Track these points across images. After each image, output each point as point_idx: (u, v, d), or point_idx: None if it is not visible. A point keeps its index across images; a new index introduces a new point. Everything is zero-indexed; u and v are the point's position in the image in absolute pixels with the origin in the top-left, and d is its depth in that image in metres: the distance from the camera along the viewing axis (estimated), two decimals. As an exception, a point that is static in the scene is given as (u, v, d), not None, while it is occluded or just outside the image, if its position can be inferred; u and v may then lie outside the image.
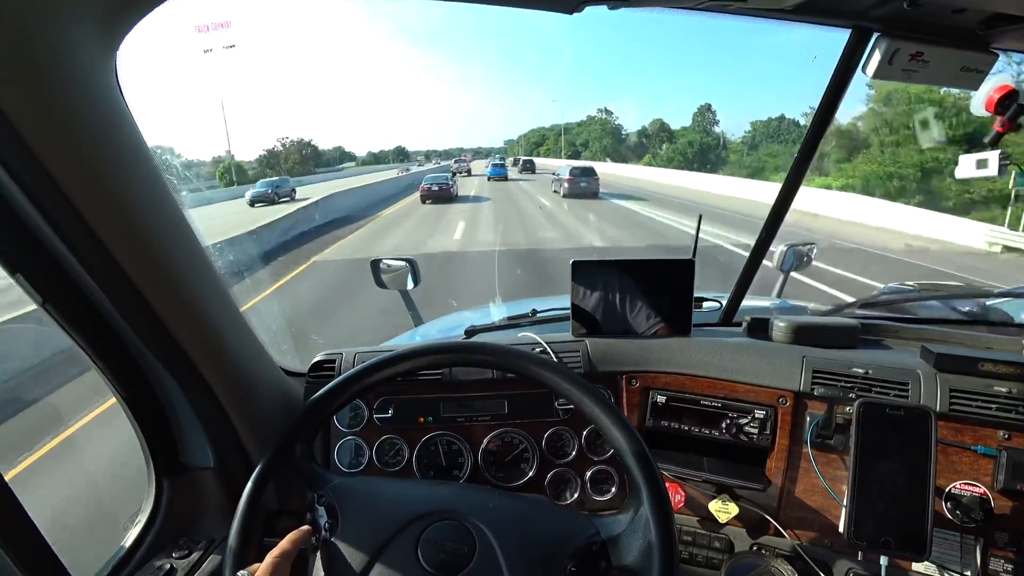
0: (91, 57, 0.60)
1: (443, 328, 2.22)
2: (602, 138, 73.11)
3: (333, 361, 1.19)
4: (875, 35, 0.96)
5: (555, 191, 22.67)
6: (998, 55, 0.98)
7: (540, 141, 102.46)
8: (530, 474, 1.17)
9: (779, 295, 2.02)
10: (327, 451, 1.16)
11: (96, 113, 0.62)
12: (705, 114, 62.42)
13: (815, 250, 2.02)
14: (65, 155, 0.59)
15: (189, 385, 0.88)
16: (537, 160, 72.03)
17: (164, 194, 0.74)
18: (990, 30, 0.93)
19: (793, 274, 1.99)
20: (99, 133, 0.62)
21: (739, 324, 1.38)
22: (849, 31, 1.00)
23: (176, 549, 0.93)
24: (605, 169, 33.69)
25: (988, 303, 1.60)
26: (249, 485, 0.75)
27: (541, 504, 0.75)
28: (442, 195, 20.99)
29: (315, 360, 1.20)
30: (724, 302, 1.43)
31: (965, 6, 0.84)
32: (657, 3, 0.87)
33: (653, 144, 59.61)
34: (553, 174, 24.04)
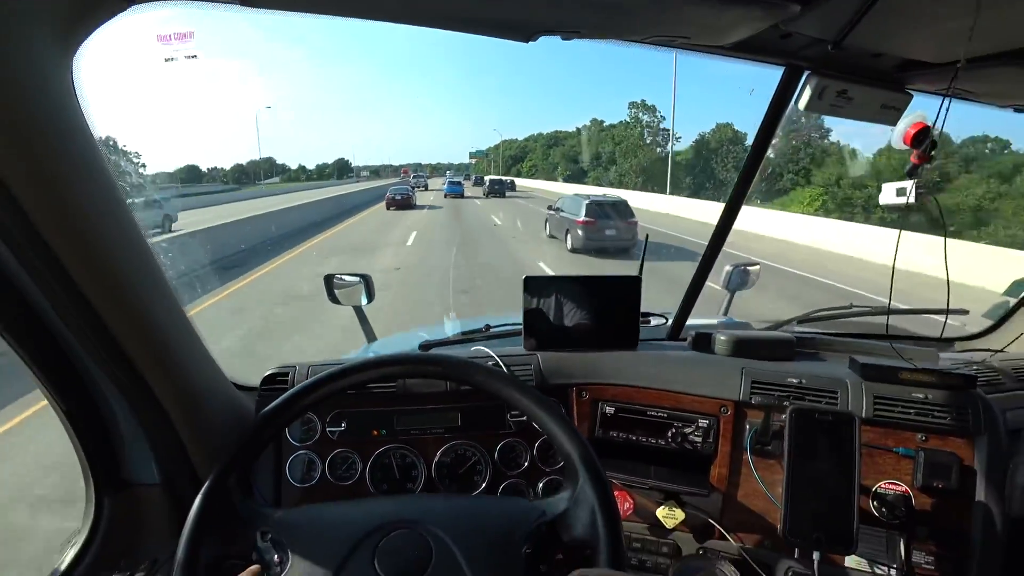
0: (48, 61, 0.61)
1: (397, 343, 2.24)
2: (632, 152, 49.95)
3: (286, 374, 1.21)
4: (806, 73, 1.08)
5: (551, 235, 14.63)
6: (912, 95, 1.12)
7: (521, 155, 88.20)
8: (483, 485, 1.21)
9: (725, 313, 2.14)
10: (279, 465, 1.16)
11: (50, 117, 0.62)
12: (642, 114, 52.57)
13: (760, 270, 2.16)
14: (14, 156, 0.60)
15: (135, 396, 0.87)
16: (522, 181, 64.23)
17: (115, 201, 0.74)
18: (904, 73, 1.07)
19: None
20: (52, 136, 0.63)
21: (685, 339, 1.48)
22: (783, 68, 1.11)
23: (116, 571, 0.91)
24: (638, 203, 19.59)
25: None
26: (198, 499, 0.75)
27: (486, 499, 0.80)
28: (404, 203, 26.39)
29: (267, 373, 1.21)
30: (670, 319, 1.53)
31: (882, 51, 0.97)
32: (608, 37, 0.95)
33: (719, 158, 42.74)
34: (551, 208, 14.92)
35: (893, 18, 0.84)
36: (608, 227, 12.73)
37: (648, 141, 53.05)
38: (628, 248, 12.77)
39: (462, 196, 35.80)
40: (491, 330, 1.49)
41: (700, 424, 1.20)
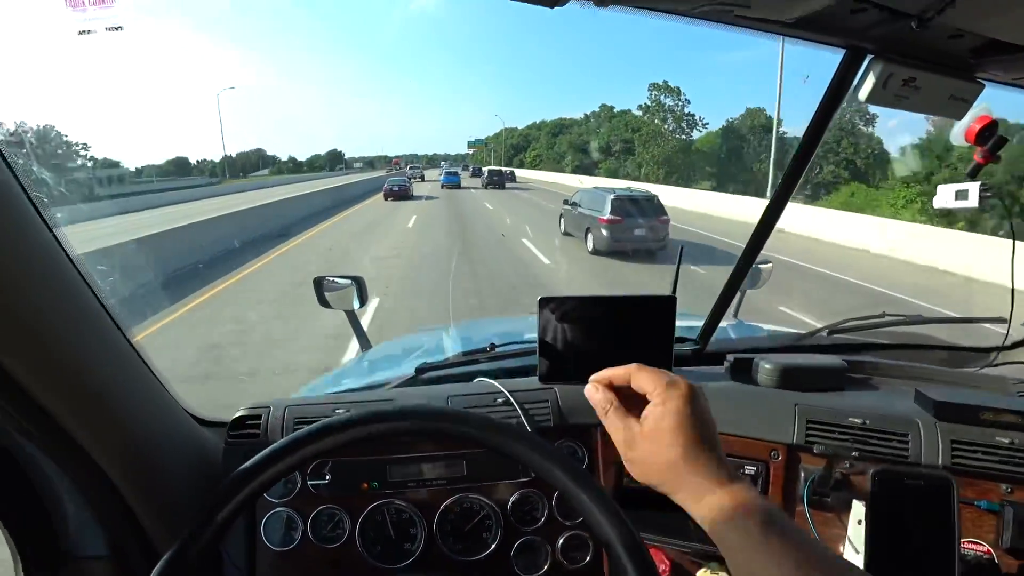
0: None
1: (392, 356, 2.12)
2: (652, 141, 44.93)
3: (258, 417, 1.05)
4: (869, 57, 0.95)
5: (567, 233, 13.68)
6: (984, 85, 0.99)
7: (523, 144, 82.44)
8: (493, 546, 1.05)
9: (735, 315, 2.05)
10: (252, 525, 1.00)
11: None
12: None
13: (772, 268, 2.04)
14: None
15: (61, 457, 0.71)
16: (524, 172, 61.96)
17: (19, 208, 0.58)
18: (981, 59, 0.94)
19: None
20: None
21: (714, 357, 1.34)
22: (843, 52, 0.98)
23: None
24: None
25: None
26: None
27: None
28: (401, 194, 28.34)
29: (236, 416, 1.05)
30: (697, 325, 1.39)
31: (966, 30, 0.84)
32: (650, 6, 0.81)
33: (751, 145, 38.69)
34: (567, 203, 13.71)
35: None
36: (637, 226, 11.18)
37: (671, 127, 47.40)
38: (659, 250, 11.27)
39: (458, 187, 37.14)
40: (496, 349, 1.33)
41: (746, 471, 1.05)
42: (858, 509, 0.95)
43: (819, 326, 1.53)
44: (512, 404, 1.08)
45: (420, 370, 1.28)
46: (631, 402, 0.66)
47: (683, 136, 46.91)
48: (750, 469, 1.05)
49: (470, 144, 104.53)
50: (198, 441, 0.96)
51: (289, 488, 1.02)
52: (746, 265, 1.31)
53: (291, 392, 1.64)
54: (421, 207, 24.15)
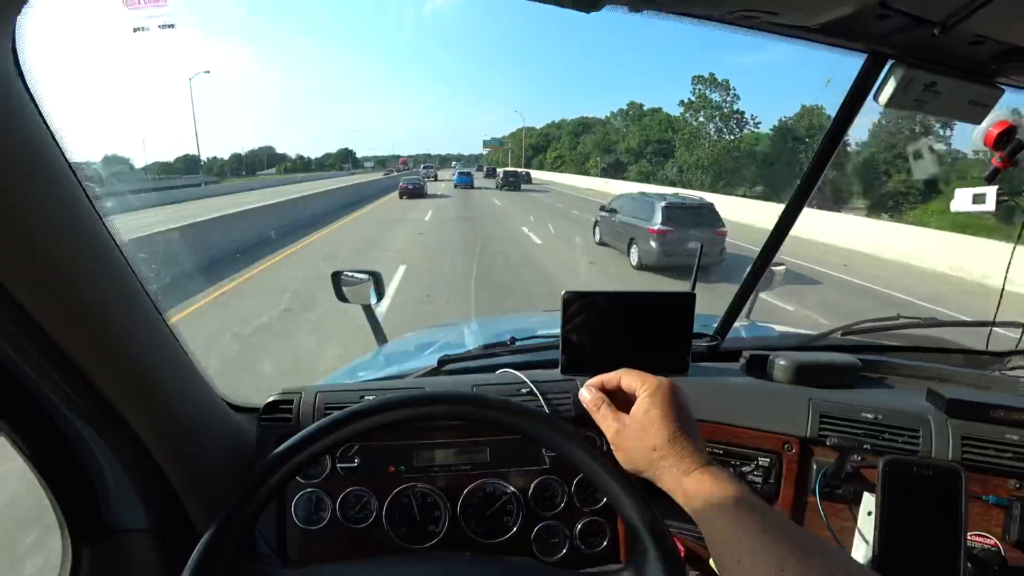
0: None
1: (411, 349, 2.16)
2: (696, 142, 40.84)
3: (290, 402, 1.09)
4: (890, 63, 0.98)
5: (602, 243, 12.84)
6: (1004, 90, 1.02)
7: (542, 144, 79.79)
8: (514, 529, 1.10)
9: (748, 316, 2.05)
10: (283, 504, 1.05)
11: None
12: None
13: (784, 270, 2.11)
14: None
15: (109, 434, 0.76)
16: (542, 174, 58.80)
17: (74, 197, 0.62)
18: (1002, 64, 0.96)
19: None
20: None
21: (730, 354, 1.37)
22: (863, 57, 1.01)
23: None
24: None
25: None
26: (194, 557, 0.64)
27: (531, 569, 0.71)
28: (416, 192, 29.87)
29: (268, 400, 1.10)
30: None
31: (987, 36, 0.86)
32: (683, 11, 0.85)
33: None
34: (605, 209, 12.79)
35: None
36: (691, 238, 9.76)
37: (717, 127, 42.47)
38: (716, 266, 9.91)
39: (471, 187, 39.27)
40: (516, 343, 1.37)
41: (760, 462, 1.09)
42: (868, 501, 0.98)
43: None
44: (536, 394, 1.12)
45: (442, 361, 1.32)
46: (619, 402, 0.76)
47: (731, 136, 42.00)
48: (764, 461, 1.09)
49: (486, 143, 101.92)
50: (232, 425, 1.01)
51: (319, 470, 1.07)
52: (763, 266, 1.34)
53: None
54: (436, 203, 26.71)
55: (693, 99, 44.90)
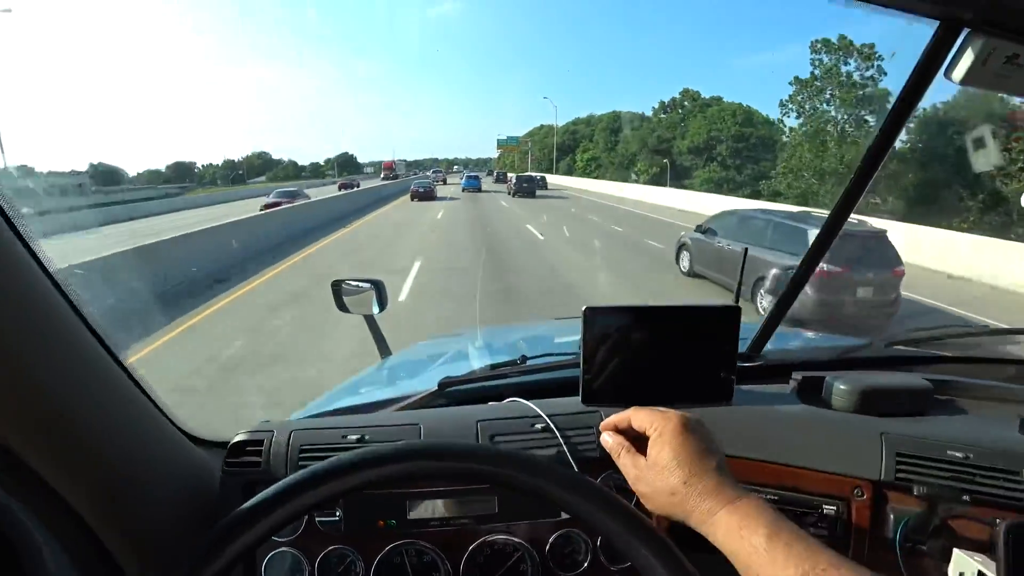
0: None
1: (414, 364, 2.07)
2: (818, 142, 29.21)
3: (259, 442, 0.95)
4: (965, 31, 0.85)
5: (694, 273, 10.48)
6: None
7: (570, 143, 68.81)
8: None
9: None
10: (252, 567, 0.91)
11: None
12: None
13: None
14: None
15: (22, 494, 0.63)
16: (565, 180, 53.12)
17: None
18: None
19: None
20: None
21: (775, 370, 1.26)
22: (935, 26, 0.90)
23: None
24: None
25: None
26: None
27: None
28: (426, 195, 33.32)
29: (234, 440, 0.96)
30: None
31: None
32: None
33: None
34: (703, 230, 10.46)
35: None
36: (864, 282, 7.25)
37: (846, 116, 30.18)
38: (884, 320, 7.45)
39: (479, 190, 41.48)
40: (528, 362, 1.24)
41: (825, 511, 0.94)
42: (961, 561, 0.84)
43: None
44: (552, 430, 0.98)
45: (443, 384, 1.19)
46: (639, 443, 0.75)
47: (870, 124, 28.98)
48: (829, 509, 0.94)
49: (500, 143, 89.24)
50: (192, 466, 0.88)
51: (295, 525, 0.92)
52: (807, 272, 1.24)
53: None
54: (447, 205, 29.56)
55: (817, 74, 31.88)
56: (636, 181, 45.43)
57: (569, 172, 61.07)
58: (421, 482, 0.95)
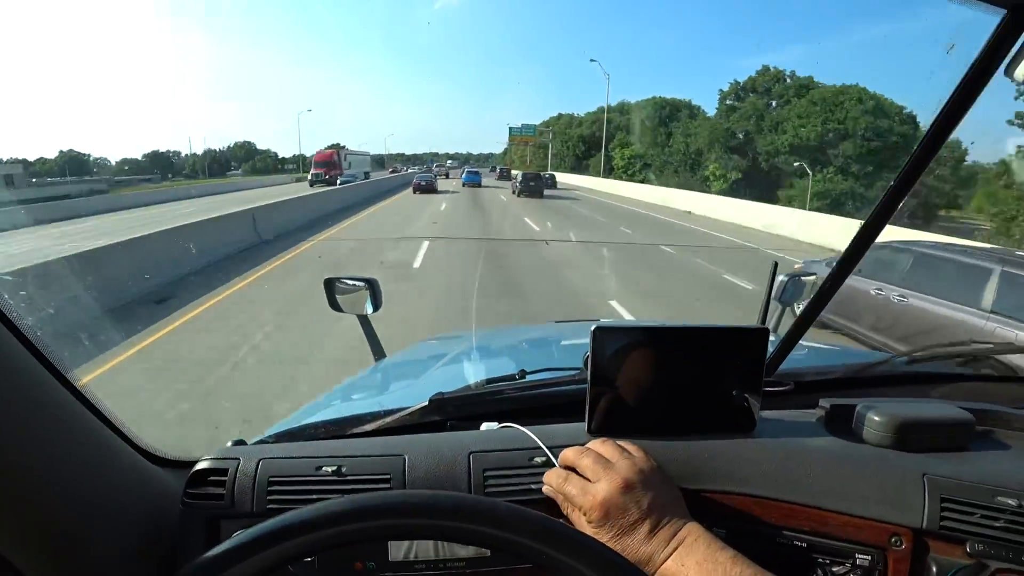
0: None
1: (408, 369, 2.07)
2: None
3: (223, 471, 0.87)
4: None
5: (831, 326, 7.30)
6: None
7: (592, 137, 55.28)
8: None
9: (775, 330, 1.91)
10: None
11: None
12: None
13: (815, 279, 1.96)
14: None
15: None
16: (590, 181, 43.34)
17: None
18: None
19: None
20: None
21: (791, 393, 1.20)
22: (1001, 14, 0.83)
23: None
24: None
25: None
26: None
27: None
28: (428, 188, 37.07)
29: (196, 468, 0.87)
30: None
31: None
32: None
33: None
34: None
35: None
36: None
37: None
38: None
39: (479, 185, 43.67)
40: (527, 377, 1.18)
41: (859, 561, 0.86)
42: None
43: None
44: (553, 462, 0.90)
45: (435, 401, 1.12)
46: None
47: None
48: (863, 559, 0.86)
49: (512, 133, 72.22)
50: (152, 494, 0.82)
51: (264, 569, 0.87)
52: (832, 287, 1.19)
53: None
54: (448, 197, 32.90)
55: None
56: (708, 190, 33.07)
57: (608, 171, 46.86)
58: None
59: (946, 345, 1.38)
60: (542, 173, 37.82)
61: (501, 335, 2.97)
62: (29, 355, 0.64)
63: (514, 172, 45.02)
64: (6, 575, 0.60)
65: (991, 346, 1.44)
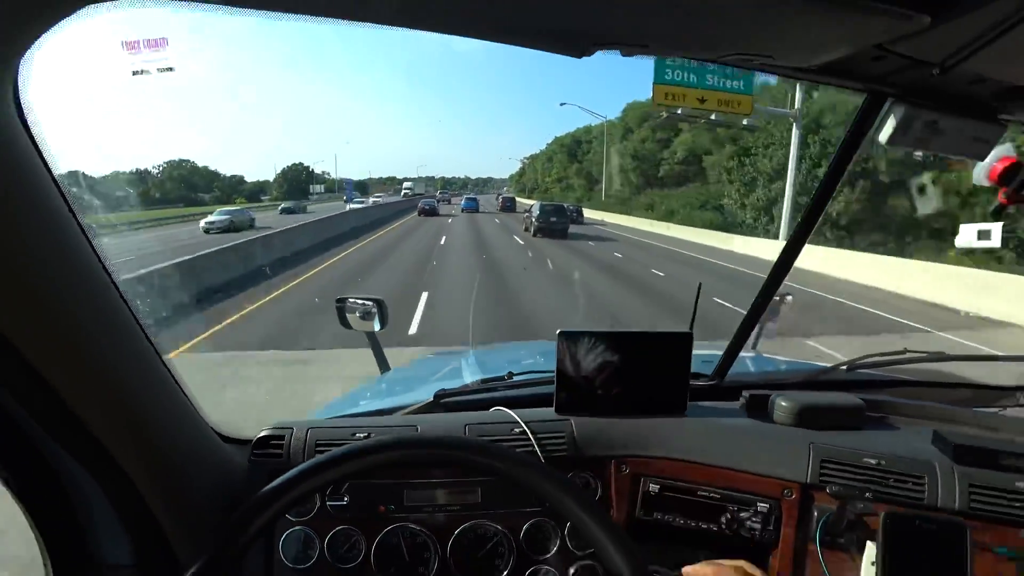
0: None
1: (411, 379, 2.30)
2: None
3: (281, 437, 1.16)
4: (889, 101, 1.06)
5: None
6: (1006, 126, 1.09)
7: (649, 155, 41.03)
8: (505, 572, 1.16)
9: (754, 347, 2.19)
10: (270, 542, 1.11)
11: None
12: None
13: (792, 300, 2.25)
14: None
15: (95, 468, 0.81)
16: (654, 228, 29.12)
17: (69, 234, 0.68)
18: (1003, 102, 1.04)
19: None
20: None
21: (731, 391, 1.46)
22: (864, 95, 1.09)
23: None
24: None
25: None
26: None
27: None
28: (431, 212, 41.33)
29: (259, 435, 1.17)
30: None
31: (987, 77, 0.93)
32: (677, 52, 0.93)
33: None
34: None
35: None
36: None
37: None
38: None
39: (476, 210, 47.79)
40: (514, 377, 1.47)
41: (759, 508, 1.15)
42: (871, 551, 1.03)
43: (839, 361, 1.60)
44: (528, 434, 1.19)
45: (439, 396, 1.39)
46: None
47: None
48: (763, 507, 1.15)
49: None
50: (222, 458, 1.07)
51: (309, 508, 1.13)
52: (764, 301, 1.43)
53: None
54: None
55: None
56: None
57: (664, 211, 34.16)
58: (417, 471, 1.17)
59: (884, 354, 1.62)
60: (565, 206, 30.21)
61: (494, 351, 3.34)
62: (146, 340, 0.88)
63: (526, 202, 37.99)
64: (132, 503, 0.87)
65: (924, 355, 1.61)
